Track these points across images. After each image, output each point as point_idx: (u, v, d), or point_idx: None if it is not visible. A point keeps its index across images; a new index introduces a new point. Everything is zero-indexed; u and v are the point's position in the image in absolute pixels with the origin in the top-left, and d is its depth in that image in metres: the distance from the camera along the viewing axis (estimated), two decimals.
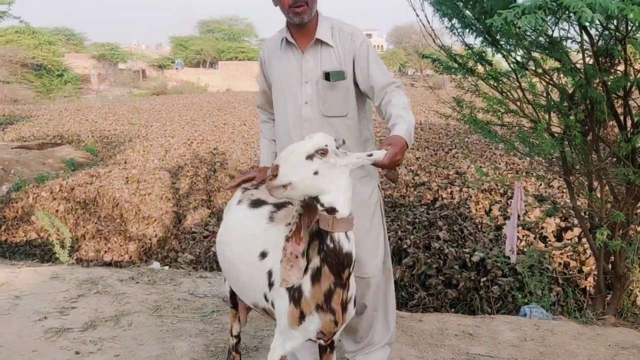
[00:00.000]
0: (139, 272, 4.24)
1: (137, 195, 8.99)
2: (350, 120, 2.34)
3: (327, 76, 2.22)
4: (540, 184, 8.39)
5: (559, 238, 6.05)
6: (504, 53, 2.50)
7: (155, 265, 4.65)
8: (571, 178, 2.67)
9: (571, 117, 2.26)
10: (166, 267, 4.64)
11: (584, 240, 5.79)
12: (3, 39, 39.44)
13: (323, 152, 1.66)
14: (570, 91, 2.43)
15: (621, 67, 2.48)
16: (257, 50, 65.32)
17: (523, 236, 5.97)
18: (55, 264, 4.91)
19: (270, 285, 1.90)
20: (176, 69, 55.91)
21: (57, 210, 7.90)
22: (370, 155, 1.73)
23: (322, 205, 1.68)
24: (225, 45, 61.65)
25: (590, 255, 5.50)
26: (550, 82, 2.45)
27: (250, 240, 2.01)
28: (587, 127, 2.42)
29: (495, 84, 2.72)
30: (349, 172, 1.70)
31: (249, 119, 20.64)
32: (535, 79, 2.56)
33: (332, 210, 1.68)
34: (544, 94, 2.51)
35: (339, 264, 1.72)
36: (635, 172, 2.29)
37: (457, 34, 2.71)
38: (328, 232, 1.69)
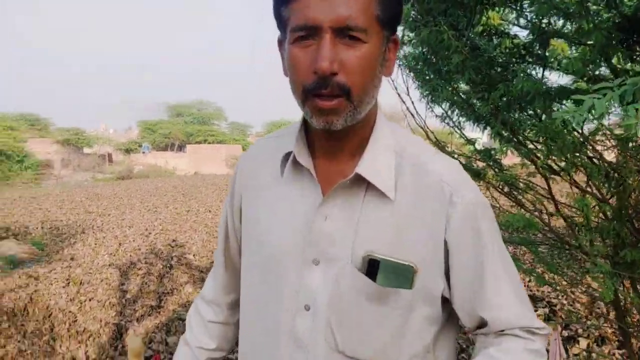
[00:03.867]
0: None
1: (76, 301, 7.87)
2: None
3: (371, 266, 1.01)
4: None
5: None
6: (532, 156, 1.78)
7: None
8: (628, 326, 1.90)
9: None
10: None
11: None
12: None
13: None
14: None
15: None
16: (226, 133, 65.79)
17: None
18: None
19: None
20: (143, 152, 55.42)
21: None
22: None
23: None
24: (194, 129, 61.96)
25: None
26: (600, 197, 1.72)
27: None
28: None
29: (509, 190, 1.98)
30: None
31: (214, 205, 19.80)
32: (577, 192, 1.84)
33: None
34: (593, 212, 1.77)
35: None
36: None
37: (452, 125, 2.02)
38: None
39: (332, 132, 0.99)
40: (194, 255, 10.85)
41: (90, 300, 7.80)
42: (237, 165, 1.27)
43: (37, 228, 15.60)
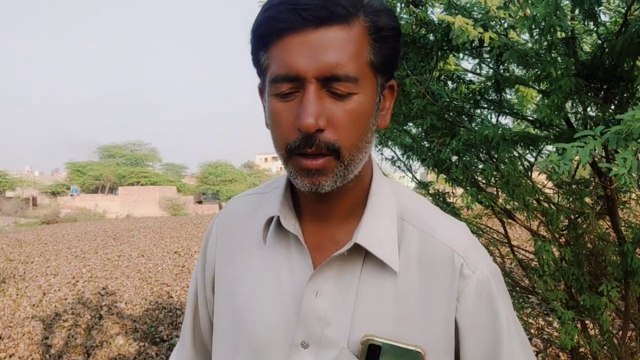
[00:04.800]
0: None
1: None
2: None
3: (371, 352, 0.84)
4: None
5: None
6: (488, 201, 1.76)
7: None
8: None
9: (603, 298, 1.52)
10: None
11: None
12: None
13: None
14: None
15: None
16: (160, 175, 64.31)
17: None
18: None
19: None
20: (71, 195, 53.13)
21: None
22: None
23: None
24: (127, 170, 60.30)
25: None
26: (557, 241, 1.73)
27: None
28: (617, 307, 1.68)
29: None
30: None
31: (147, 249, 19.07)
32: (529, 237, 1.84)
33: None
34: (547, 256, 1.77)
35: None
36: None
37: (403, 169, 2.01)
38: None
39: (321, 194, 0.84)
40: (126, 303, 10.31)
41: (10, 356, 7.21)
42: (210, 227, 1.08)
43: None
